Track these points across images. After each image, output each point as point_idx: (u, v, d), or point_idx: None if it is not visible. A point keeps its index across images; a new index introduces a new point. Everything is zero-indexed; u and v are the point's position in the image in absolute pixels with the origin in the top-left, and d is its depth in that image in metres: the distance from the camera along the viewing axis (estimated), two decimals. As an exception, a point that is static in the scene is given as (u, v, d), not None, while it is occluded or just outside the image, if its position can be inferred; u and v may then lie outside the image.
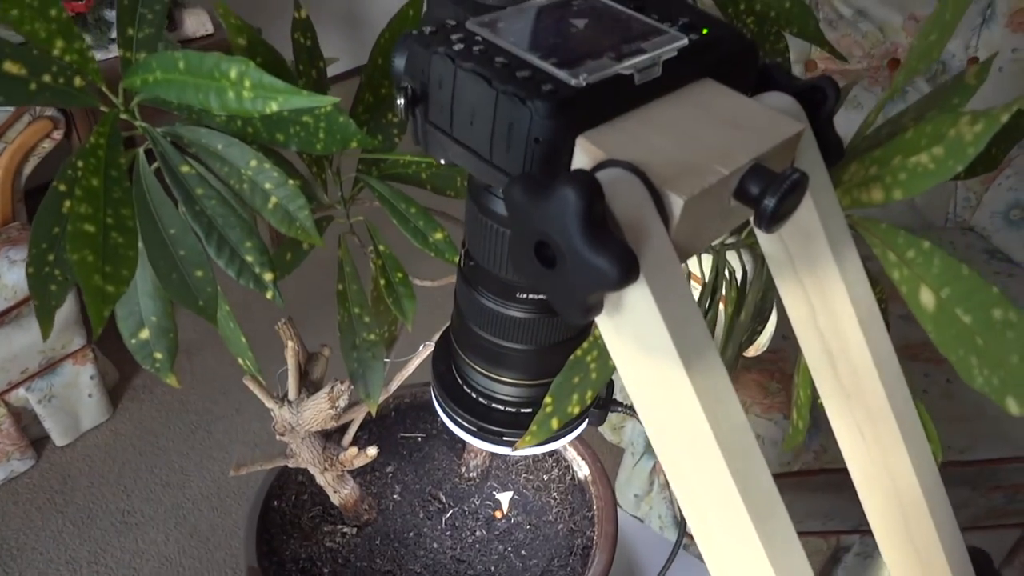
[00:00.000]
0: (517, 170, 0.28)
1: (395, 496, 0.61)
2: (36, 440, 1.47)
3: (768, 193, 0.27)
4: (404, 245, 0.50)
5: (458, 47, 0.29)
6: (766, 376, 1.10)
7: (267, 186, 0.42)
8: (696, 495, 0.27)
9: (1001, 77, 1.32)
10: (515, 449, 0.39)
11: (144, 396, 1.59)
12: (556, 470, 0.66)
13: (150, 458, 1.48)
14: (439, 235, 0.50)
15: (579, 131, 0.27)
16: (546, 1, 0.33)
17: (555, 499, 0.64)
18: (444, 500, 0.62)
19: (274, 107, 0.34)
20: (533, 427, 0.38)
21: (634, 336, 0.26)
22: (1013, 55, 1.32)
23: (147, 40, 0.40)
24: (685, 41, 0.31)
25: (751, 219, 0.28)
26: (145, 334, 0.46)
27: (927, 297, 0.29)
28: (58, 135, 1.34)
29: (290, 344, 0.47)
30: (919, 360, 1.13)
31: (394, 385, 0.50)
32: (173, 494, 1.43)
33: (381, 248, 0.51)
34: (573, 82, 0.27)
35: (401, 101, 0.31)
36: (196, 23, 1.53)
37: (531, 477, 0.66)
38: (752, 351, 0.99)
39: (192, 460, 1.48)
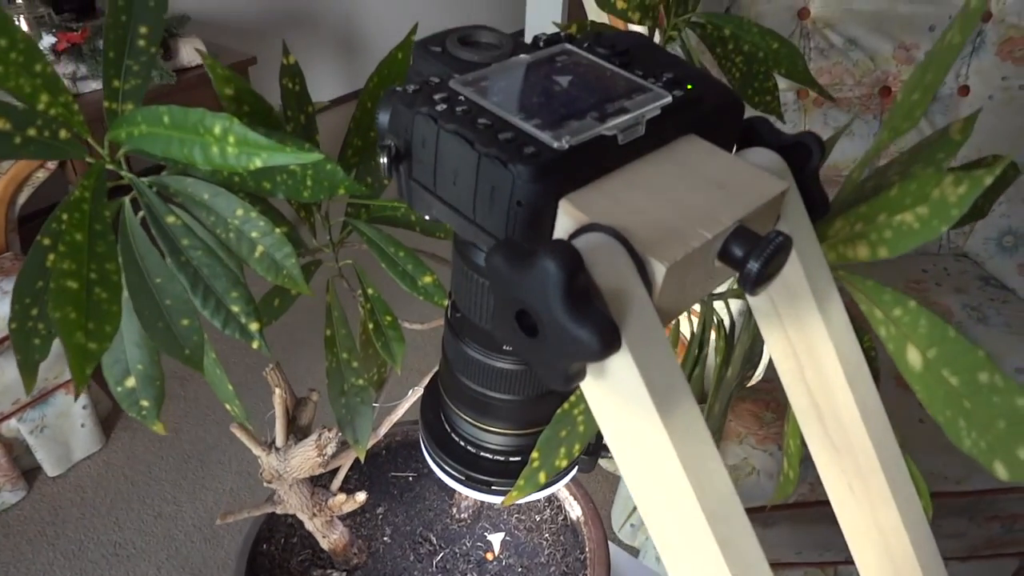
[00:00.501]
0: (500, 231, 0.28)
1: (385, 538, 0.60)
2: (27, 471, 1.45)
3: (752, 256, 0.26)
4: (393, 288, 0.50)
5: (441, 107, 0.29)
6: (761, 406, 1.09)
7: (254, 235, 0.42)
8: (679, 557, 0.27)
9: (992, 105, 1.33)
10: (504, 503, 0.39)
11: (137, 425, 1.58)
12: (548, 511, 0.66)
13: (142, 488, 1.47)
14: (428, 279, 0.50)
15: (562, 193, 0.27)
16: (531, 58, 0.33)
17: (547, 540, 0.63)
18: (435, 542, 0.61)
19: (258, 163, 0.34)
20: (520, 481, 0.37)
21: (617, 402, 0.26)
22: (1003, 83, 1.33)
23: (133, 92, 0.40)
24: (669, 99, 0.31)
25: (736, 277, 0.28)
26: (131, 382, 0.45)
27: (914, 356, 0.29)
28: (52, 165, 1.34)
29: (277, 391, 0.47)
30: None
31: (383, 429, 0.50)
32: (165, 525, 1.41)
33: (370, 292, 0.51)
34: (555, 145, 0.27)
35: (384, 160, 0.31)
36: (191, 52, 1.54)
37: (523, 518, 0.65)
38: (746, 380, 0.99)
39: (185, 490, 1.47)
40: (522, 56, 0.33)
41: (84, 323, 0.34)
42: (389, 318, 0.51)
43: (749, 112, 0.35)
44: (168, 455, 1.53)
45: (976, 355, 0.26)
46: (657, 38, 0.60)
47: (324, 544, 0.54)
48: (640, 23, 0.58)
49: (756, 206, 0.28)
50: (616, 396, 0.26)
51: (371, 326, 0.50)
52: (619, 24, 0.76)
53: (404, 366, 0.51)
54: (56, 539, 1.38)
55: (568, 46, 0.34)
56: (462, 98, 0.30)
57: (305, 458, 0.46)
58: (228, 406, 0.49)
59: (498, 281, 0.25)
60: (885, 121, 0.32)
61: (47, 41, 1.38)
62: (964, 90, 1.35)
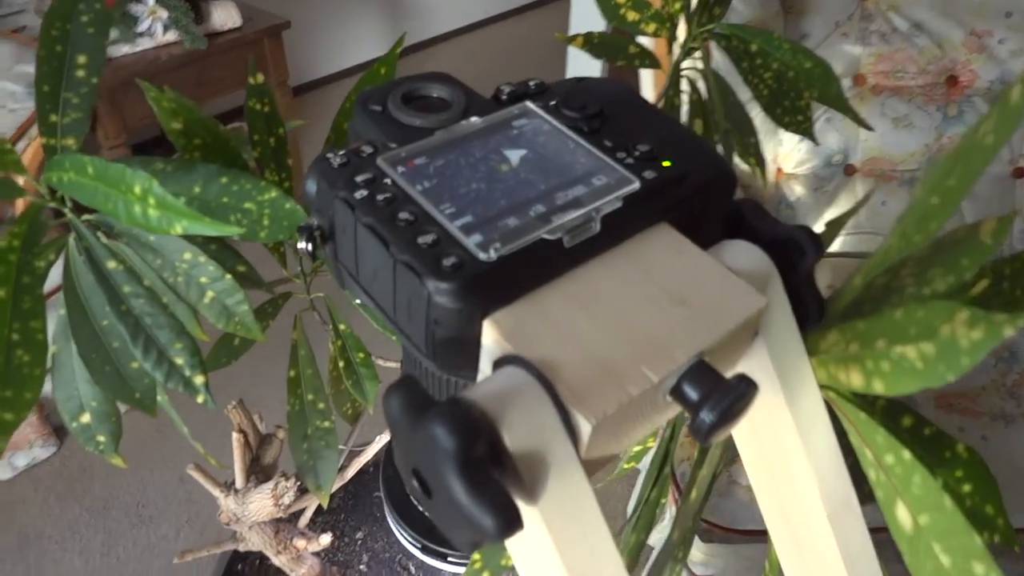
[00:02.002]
0: (420, 340, 0.25)
1: (361, 567, 0.58)
2: (58, 427, 1.50)
3: (708, 404, 0.22)
4: (366, 323, 0.47)
5: (361, 193, 0.25)
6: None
7: (203, 280, 0.39)
8: None
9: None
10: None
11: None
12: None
13: (166, 451, 1.50)
14: (402, 318, 0.46)
15: (487, 312, 0.23)
16: (482, 123, 0.29)
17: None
18: (414, 573, 0.59)
19: (178, 229, 0.30)
20: (467, 576, 0.34)
21: (533, 564, 0.22)
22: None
23: (74, 126, 0.37)
24: (635, 185, 0.26)
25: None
26: (86, 418, 0.43)
27: (903, 515, 0.24)
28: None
29: (235, 436, 0.45)
30: (954, 411, 1.05)
31: (351, 471, 0.47)
32: (187, 488, 1.44)
33: (342, 327, 0.48)
34: (482, 256, 0.23)
35: (302, 245, 0.27)
36: (224, 16, 1.51)
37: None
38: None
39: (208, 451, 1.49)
40: (472, 121, 0.29)
41: (1, 391, 0.32)
42: (362, 355, 0.48)
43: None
44: (193, 420, 1.55)
45: (974, 541, 0.22)
46: (676, 52, 0.54)
47: (294, 576, 0.53)
48: (655, 35, 0.52)
49: (723, 332, 0.24)
50: (531, 557, 0.22)
51: (342, 364, 0.47)
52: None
53: (378, 404, 0.48)
54: (83, 496, 1.42)
55: (530, 105, 0.30)
56: (388, 181, 0.26)
57: (262, 505, 0.44)
58: (194, 443, 0.47)
59: (394, 430, 0.21)
60: (897, 223, 0.27)
61: None
62: (1020, 172, 1.22)
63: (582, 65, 1.77)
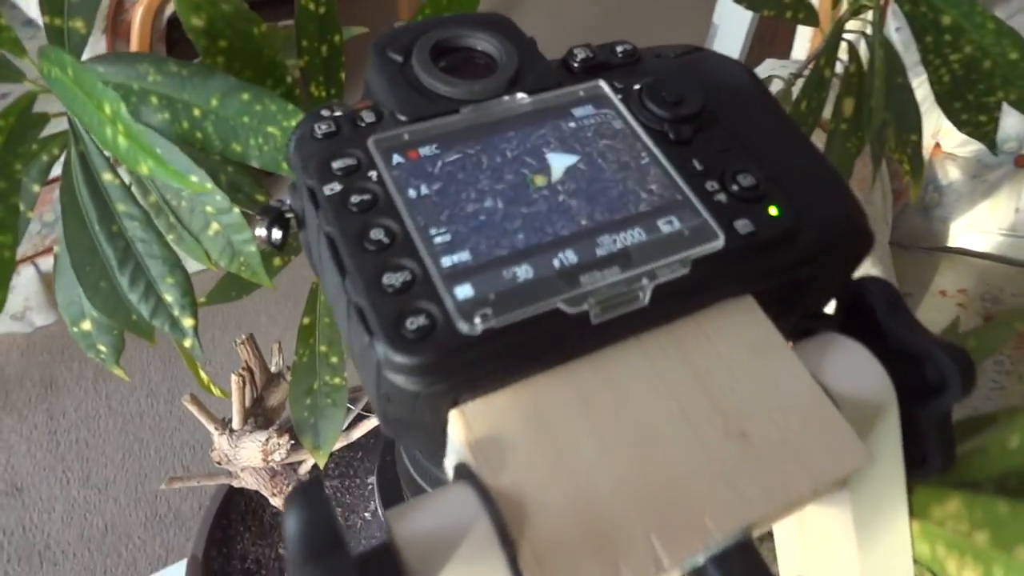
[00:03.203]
0: (375, 408, 0.18)
1: (366, 514, 0.56)
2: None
3: None
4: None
5: (333, 188, 0.18)
6: None
7: (208, 209, 0.34)
8: None
9: None
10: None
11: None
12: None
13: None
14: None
15: (456, 400, 0.17)
16: (530, 105, 0.21)
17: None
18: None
19: (144, 170, 0.24)
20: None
21: None
22: None
23: (83, 5, 0.31)
24: (719, 244, 0.18)
25: None
26: (87, 326, 0.40)
27: None
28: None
29: (233, 377, 0.41)
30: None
31: (356, 434, 0.43)
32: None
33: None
34: (462, 326, 0.16)
35: (261, 232, 0.21)
36: None
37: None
38: None
39: (220, 344, 1.42)
40: (518, 98, 0.21)
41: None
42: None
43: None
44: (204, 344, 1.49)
45: None
46: (843, 7, 0.43)
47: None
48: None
49: (789, 498, 0.16)
50: None
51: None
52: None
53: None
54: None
55: (603, 87, 0.21)
56: (373, 176, 0.19)
57: (253, 454, 0.41)
58: (196, 373, 0.43)
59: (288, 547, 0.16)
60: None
61: None
62: None
63: (730, 16, 1.54)
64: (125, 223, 0.33)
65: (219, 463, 0.43)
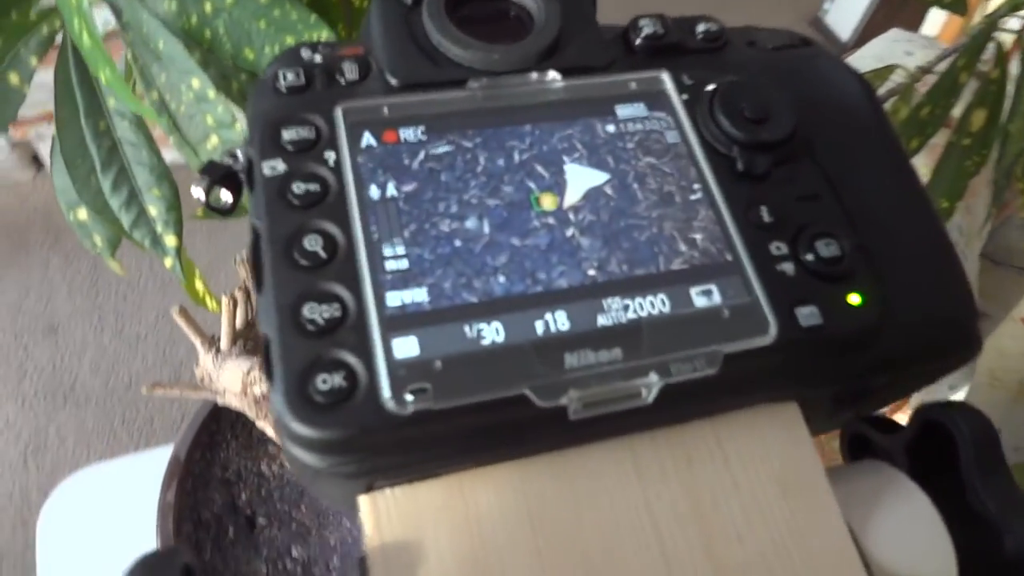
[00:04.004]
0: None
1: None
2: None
3: None
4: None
5: (275, 167, 0.14)
6: None
7: (208, 121, 0.30)
8: None
9: None
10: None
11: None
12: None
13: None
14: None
15: (371, 484, 0.13)
16: (562, 91, 0.16)
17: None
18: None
19: (102, 78, 0.21)
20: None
21: None
22: None
23: None
24: (768, 339, 0.13)
25: None
26: (83, 215, 0.37)
27: None
28: None
29: (224, 297, 0.38)
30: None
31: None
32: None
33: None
34: (391, 405, 0.12)
35: (197, 191, 0.17)
36: None
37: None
38: None
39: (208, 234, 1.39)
40: (550, 79, 0.16)
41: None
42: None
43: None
44: (202, 256, 1.45)
45: None
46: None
47: (278, 440, 0.48)
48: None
49: None
50: None
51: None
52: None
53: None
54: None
55: (665, 82, 0.16)
56: (330, 158, 0.14)
57: (234, 379, 0.38)
58: (190, 283, 0.41)
59: None
60: None
61: None
62: None
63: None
64: (115, 120, 0.29)
65: (201, 380, 0.41)
